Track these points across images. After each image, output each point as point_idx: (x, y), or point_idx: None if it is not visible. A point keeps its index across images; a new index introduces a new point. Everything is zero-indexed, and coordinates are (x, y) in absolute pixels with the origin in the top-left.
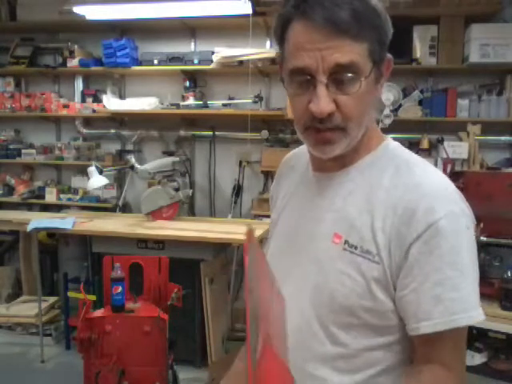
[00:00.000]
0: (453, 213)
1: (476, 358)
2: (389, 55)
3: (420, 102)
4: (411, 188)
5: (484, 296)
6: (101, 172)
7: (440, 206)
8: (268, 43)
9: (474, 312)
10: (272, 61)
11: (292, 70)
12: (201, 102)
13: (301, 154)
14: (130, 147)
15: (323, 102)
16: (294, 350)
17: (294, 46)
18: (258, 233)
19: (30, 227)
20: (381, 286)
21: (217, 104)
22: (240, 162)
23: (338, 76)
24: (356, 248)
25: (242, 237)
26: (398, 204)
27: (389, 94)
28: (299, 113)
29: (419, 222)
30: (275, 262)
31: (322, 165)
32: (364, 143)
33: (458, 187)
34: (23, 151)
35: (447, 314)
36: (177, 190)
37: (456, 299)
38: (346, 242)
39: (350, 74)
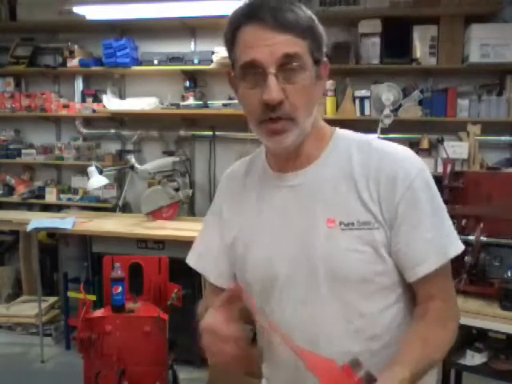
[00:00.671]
0: (421, 170)
1: (476, 358)
2: (325, 60)
3: (420, 102)
4: (384, 158)
5: (484, 296)
6: (101, 172)
7: (411, 167)
8: None
9: (457, 241)
10: None
11: (243, 65)
12: (201, 102)
13: (248, 165)
14: (130, 147)
15: (273, 90)
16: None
17: (245, 45)
18: None
19: (29, 227)
20: (385, 247)
21: (217, 104)
22: None
23: (286, 66)
24: (353, 224)
25: None
26: (379, 173)
27: (389, 94)
28: (253, 107)
29: (401, 185)
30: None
31: (284, 164)
32: (317, 136)
33: (458, 187)
34: (23, 151)
35: (439, 251)
36: (177, 190)
37: (443, 236)
38: (341, 222)
39: (296, 64)
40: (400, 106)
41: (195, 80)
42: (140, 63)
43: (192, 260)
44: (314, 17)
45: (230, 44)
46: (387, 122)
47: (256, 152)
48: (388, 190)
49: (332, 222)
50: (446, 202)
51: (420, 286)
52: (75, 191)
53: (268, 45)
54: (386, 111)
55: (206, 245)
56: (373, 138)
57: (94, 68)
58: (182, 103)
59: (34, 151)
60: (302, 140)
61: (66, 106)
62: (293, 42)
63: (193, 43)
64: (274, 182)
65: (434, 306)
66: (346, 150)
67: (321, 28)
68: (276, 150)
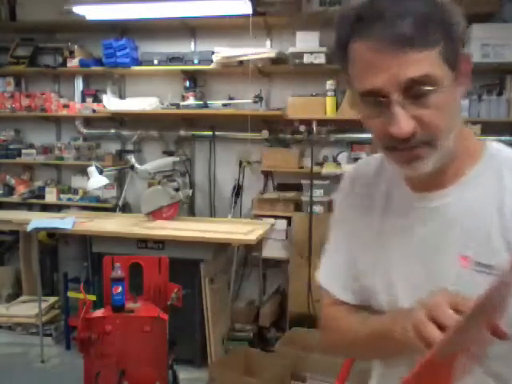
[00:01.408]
0: None
1: None
2: (465, 51)
3: None
4: None
5: None
6: (101, 172)
7: None
8: (268, 43)
9: None
10: (272, 61)
11: (362, 92)
12: (201, 102)
13: (378, 167)
14: (130, 147)
15: (402, 122)
16: None
17: (360, 69)
18: (258, 233)
19: (29, 227)
20: None
21: (217, 104)
22: (240, 162)
23: (414, 91)
24: (492, 268)
25: (242, 237)
26: None
27: None
28: (378, 135)
29: None
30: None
31: (424, 183)
32: (463, 150)
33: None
34: (23, 151)
35: None
36: (177, 190)
37: None
38: (478, 263)
39: (425, 87)
40: None
41: (195, 80)
42: (140, 63)
43: (318, 275)
44: (444, 1)
45: (341, 59)
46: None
47: None
48: None
49: (466, 260)
50: None
51: None
52: (75, 191)
53: (388, 67)
54: None
55: (332, 256)
56: None
57: (94, 68)
58: (181, 103)
59: (33, 151)
60: (445, 160)
61: (66, 106)
62: (418, 59)
63: (193, 43)
64: (405, 198)
65: None
66: (497, 169)
67: (455, 12)
68: (412, 175)
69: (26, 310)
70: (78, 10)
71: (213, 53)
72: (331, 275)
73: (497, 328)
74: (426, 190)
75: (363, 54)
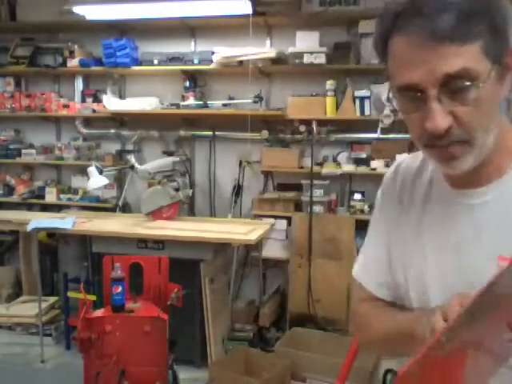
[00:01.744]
0: None
1: None
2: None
3: None
4: None
5: None
6: (101, 172)
7: None
8: (268, 43)
9: None
10: (272, 61)
11: (399, 87)
12: (201, 102)
13: (420, 164)
14: (130, 147)
15: (438, 117)
16: None
17: (398, 63)
18: (258, 233)
19: (29, 227)
20: None
21: (217, 104)
22: (240, 162)
23: (451, 86)
24: None
25: (242, 237)
26: None
27: (389, 94)
28: (416, 131)
29: None
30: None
31: (463, 180)
32: (503, 147)
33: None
34: (23, 151)
35: None
36: (177, 190)
37: None
38: None
39: (463, 83)
40: None
41: (195, 80)
42: (140, 63)
43: (355, 270)
44: None
45: (382, 54)
46: (387, 121)
47: None
48: None
49: (505, 261)
50: None
51: None
52: (75, 191)
53: (425, 62)
54: (386, 111)
55: (368, 252)
56: None
57: (94, 68)
58: (182, 103)
59: (33, 151)
60: (485, 157)
61: (66, 106)
62: (457, 53)
63: (193, 43)
64: (444, 195)
65: None
66: None
67: (502, 2)
68: (450, 174)
69: (26, 309)
70: (78, 9)
71: (213, 53)
72: (367, 271)
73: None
74: (465, 187)
75: (402, 49)
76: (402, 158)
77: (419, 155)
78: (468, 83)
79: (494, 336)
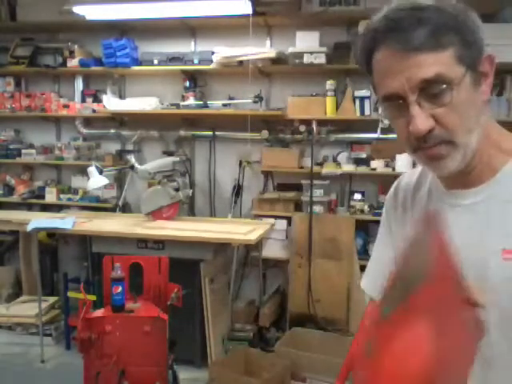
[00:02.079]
0: None
1: None
2: (487, 52)
3: None
4: None
5: None
6: (101, 172)
7: None
8: (268, 43)
9: None
10: (272, 61)
11: (384, 97)
12: (201, 102)
13: (419, 176)
14: (130, 147)
15: (418, 120)
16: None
17: (380, 75)
18: (258, 233)
19: (29, 227)
20: None
21: (217, 104)
22: (240, 162)
23: (429, 90)
24: None
25: (242, 237)
26: None
27: None
28: (402, 136)
29: None
30: None
31: (454, 181)
32: (494, 145)
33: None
34: (23, 151)
35: None
36: (177, 190)
37: None
38: None
39: (439, 86)
40: None
41: (195, 80)
42: (140, 63)
43: (363, 282)
44: (457, 9)
45: (366, 69)
46: (387, 121)
47: None
48: None
49: (509, 254)
50: None
51: None
52: (75, 191)
53: (402, 71)
54: None
55: (376, 262)
56: None
57: (94, 68)
58: (182, 103)
59: (33, 151)
60: (472, 157)
61: (66, 106)
62: (430, 60)
63: (193, 43)
64: (442, 198)
65: None
66: None
67: (469, 19)
68: (439, 175)
69: (26, 309)
70: (78, 9)
71: (213, 53)
72: (372, 279)
73: (468, 298)
74: (458, 188)
75: (382, 61)
76: (400, 177)
77: (416, 171)
78: (443, 86)
79: (450, 310)
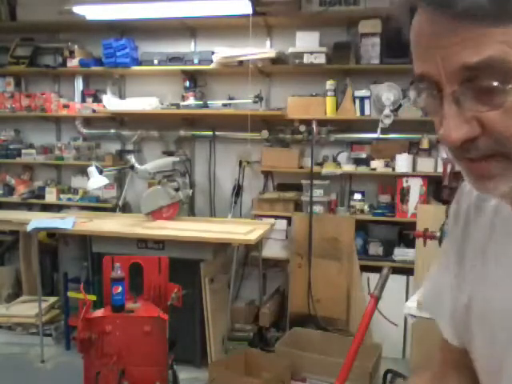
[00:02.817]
0: None
1: None
2: None
3: None
4: None
5: None
6: (101, 172)
7: None
8: (268, 43)
9: None
10: (272, 61)
11: (416, 77)
12: (201, 102)
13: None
14: (130, 147)
15: (452, 125)
16: None
17: (412, 46)
18: (258, 233)
19: (29, 227)
20: None
21: (217, 104)
22: (240, 162)
23: (475, 83)
24: None
25: (242, 237)
26: None
27: (389, 94)
28: (441, 138)
29: None
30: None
31: None
32: None
33: (458, 187)
34: (23, 151)
35: None
36: (177, 190)
37: None
38: None
39: (488, 80)
40: (400, 105)
41: (195, 80)
42: (140, 63)
43: (423, 299)
44: None
45: (407, 28)
46: (387, 121)
47: None
48: None
49: None
50: (445, 202)
51: None
52: (75, 191)
53: (441, 47)
54: (386, 111)
55: (438, 283)
56: None
57: (94, 68)
58: (182, 103)
59: (33, 151)
60: None
61: (66, 106)
62: (483, 38)
63: (193, 43)
64: (507, 221)
65: None
66: None
67: None
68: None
69: (26, 309)
70: (78, 10)
71: (213, 53)
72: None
73: None
74: None
75: (419, 24)
76: (465, 183)
77: None
78: (495, 80)
79: None
